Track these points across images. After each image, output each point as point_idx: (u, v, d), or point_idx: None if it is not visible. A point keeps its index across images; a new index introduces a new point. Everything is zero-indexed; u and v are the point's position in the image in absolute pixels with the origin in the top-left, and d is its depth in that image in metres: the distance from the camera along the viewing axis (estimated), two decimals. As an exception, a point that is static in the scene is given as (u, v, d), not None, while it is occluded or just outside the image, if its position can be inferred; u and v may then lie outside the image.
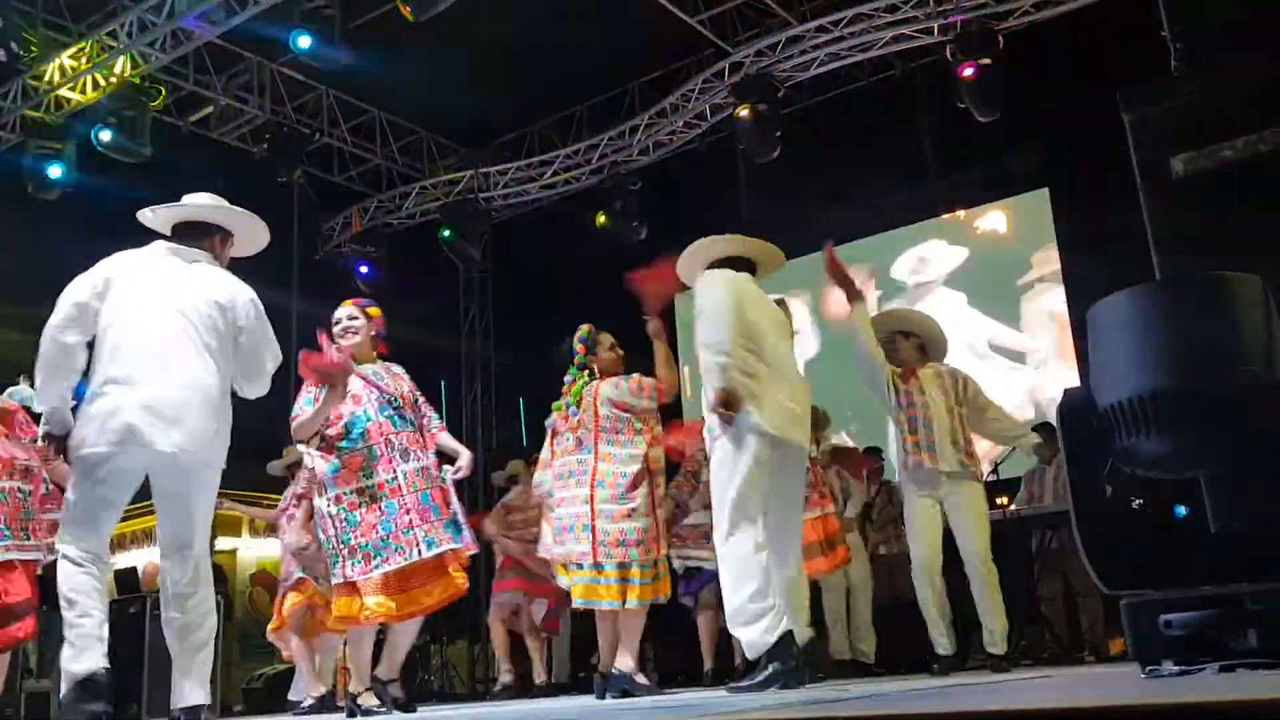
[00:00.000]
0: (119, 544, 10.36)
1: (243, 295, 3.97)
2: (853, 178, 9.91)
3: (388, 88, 10.67)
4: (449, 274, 12.56)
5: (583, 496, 4.96)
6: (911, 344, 5.83)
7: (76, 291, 3.76)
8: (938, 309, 10.11)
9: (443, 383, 12.34)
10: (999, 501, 7.98)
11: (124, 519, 5.03)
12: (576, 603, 5.06)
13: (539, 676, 7.64)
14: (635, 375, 5.22)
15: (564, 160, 10.97)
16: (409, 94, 10.84)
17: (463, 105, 10.92)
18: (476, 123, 11.45)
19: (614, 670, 4.95)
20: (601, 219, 10.56)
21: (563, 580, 5.13)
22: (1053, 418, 7.40)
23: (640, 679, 4.97)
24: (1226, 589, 2.46)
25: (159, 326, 3.74)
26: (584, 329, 5.39)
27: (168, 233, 4.08)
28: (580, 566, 4.95)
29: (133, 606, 7.64)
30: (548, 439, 5.37)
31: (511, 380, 12.42)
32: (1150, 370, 2.56)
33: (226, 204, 4.22)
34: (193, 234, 4.07)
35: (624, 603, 4.87)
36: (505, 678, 7.68)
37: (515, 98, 10.84)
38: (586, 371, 5.26)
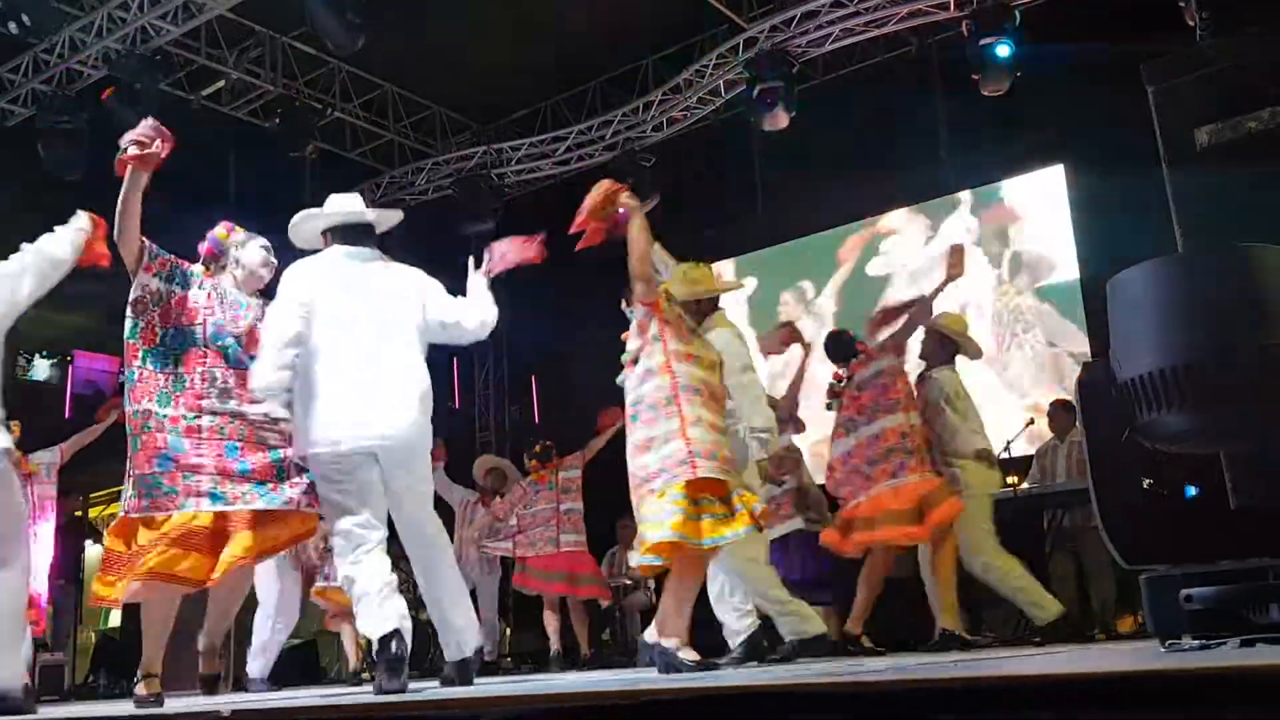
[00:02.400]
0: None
1: (417, 277, 4.48)
2: (868, 154, 9.85)
3: (400, 63, 10.63)
4: (461, 251, 12.53)
5: None
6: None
7: (286, 326, 3.97)
8: (953, 285, 10.06)
9: (454, 360, 12.35)
10: (1009, 480, 7.96)
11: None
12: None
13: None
14: None
15: (577, 137, 10.92)
16: (422, 69, 10.79)
17: (476, 81, 10.87)
18: (489, 99, 11.40)
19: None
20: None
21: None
22: (1068, 394, 7.37)
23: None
24: (1248, 563, 2.44)
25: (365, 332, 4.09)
26: None
27: (318, 238, 4.44)
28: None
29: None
30: None
31: (524, 358, 12.42)
32: (1172, 344, 2.53)
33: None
34: (357, 233, 4.40)
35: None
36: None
37: (528, 74, 10.79)
38: None
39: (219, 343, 4.18)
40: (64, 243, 3.94)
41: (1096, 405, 2.71)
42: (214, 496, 4.02)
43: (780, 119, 9.35)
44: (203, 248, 4.43)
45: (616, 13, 9.82)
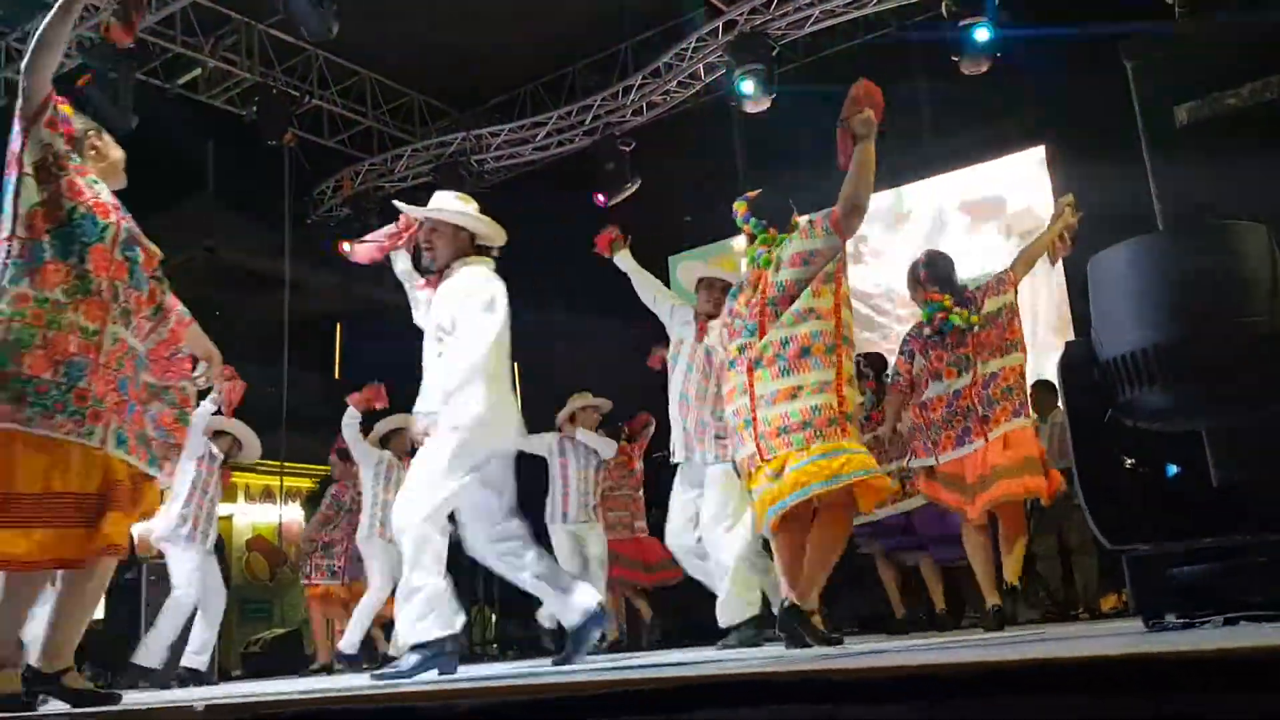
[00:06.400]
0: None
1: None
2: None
3: (378, 49, 10.56)
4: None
5: (742, 385, 4.07)
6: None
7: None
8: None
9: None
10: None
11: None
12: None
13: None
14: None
15: (557, 122, 10.87)
16: (399, 55, 10.73)
17: (454, 67, 10.81)
18: (468, 84, 11.34)
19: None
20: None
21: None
22: (1050, 375, 7.37)
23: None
24: (1231, 541, 2.44)
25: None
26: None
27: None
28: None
29: (129, 572, 7.63)
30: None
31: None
32: (1153, 322, 2.53)
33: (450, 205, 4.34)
34: None
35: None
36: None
37: (507, 59, 10.73)
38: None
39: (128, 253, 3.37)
40: None
41: (1078, 385, 2.70)
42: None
43: (761, 102, 9.33)
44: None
45: (595, -4, 9.77)
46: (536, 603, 7.99)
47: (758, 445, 3.95)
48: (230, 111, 10.31)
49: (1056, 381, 2.86)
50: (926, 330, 5.37)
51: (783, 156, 10.21)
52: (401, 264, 4.63)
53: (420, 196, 11.37)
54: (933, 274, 5.45)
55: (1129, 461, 5.62)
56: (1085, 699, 1.11)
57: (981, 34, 8.51)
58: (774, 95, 9.32)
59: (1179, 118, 2.87)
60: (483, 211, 4.32)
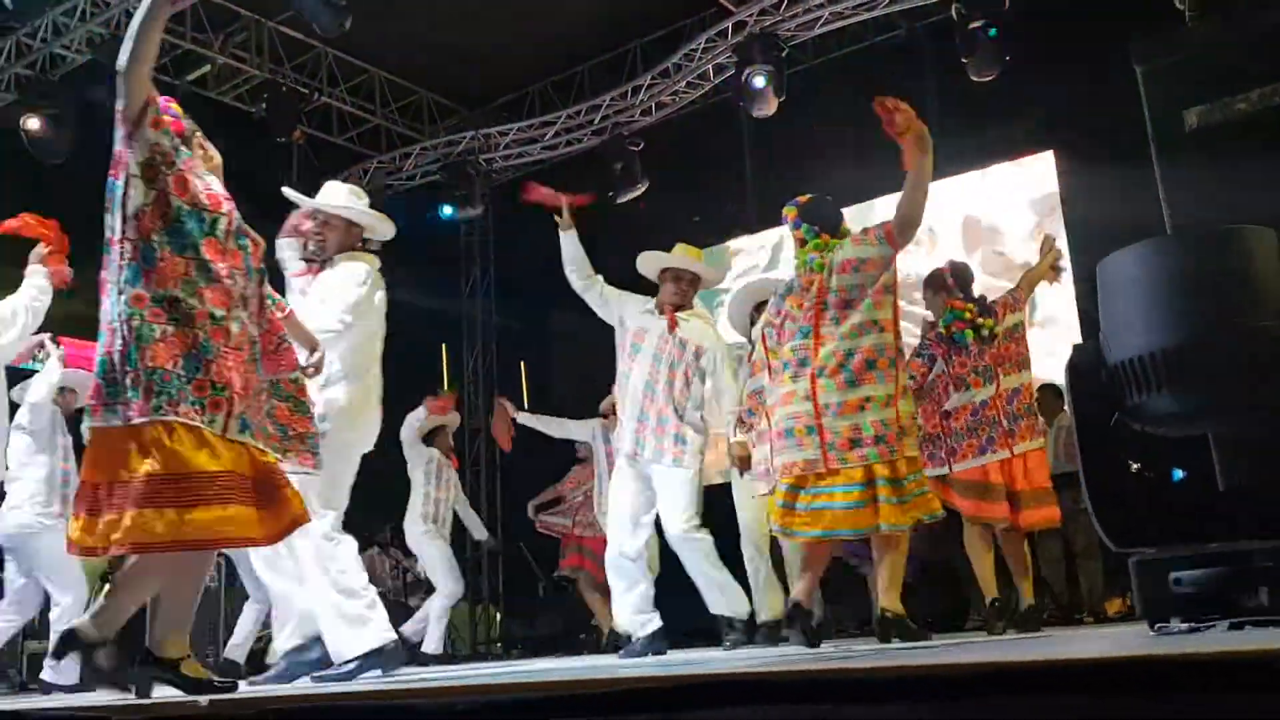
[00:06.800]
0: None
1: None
2: (856, 139, 9.80)
3: (387, 48, 10.57)
4: (449, 236, 12.51)
5: (804, 391, 4.18)
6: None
7: None
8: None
9: (443, 345, 12.32)
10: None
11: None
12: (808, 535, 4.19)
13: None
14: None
15: (565, 121, 10.87)
16: (409, 54, 10.73)
17: (463, 65, 10.82)
18: (477, 83, 11.34)
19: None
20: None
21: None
22: (1057, 379, 7.33)
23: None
24: (1237, 546, 2.43)
25: None
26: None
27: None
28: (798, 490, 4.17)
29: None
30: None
31: (513, 343, 12.38)
32: (1161, 326, 2.52)
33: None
34: None
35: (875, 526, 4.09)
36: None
37: (516, 58, 10.73)
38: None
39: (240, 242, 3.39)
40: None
41: (1086, 389, 2.70)
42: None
43: (769, 105, 9.32)
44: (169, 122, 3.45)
45: (604, -4, 9.77)
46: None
47: (824, 454, 4.09)
48: (239, 108, 10.32)
49: (1064, 385, 2.86)
50: (930, 334, 5.50)
51: (791, 157, 10.21)
52: (289, 250, 4.54)
53: (429, 195, 11.42)
54: (959, 282, 5.60)
55: (1135, 465, 5.61)
56: (1087, 700, 1.11)
57: (991, 36, 8.50)
58: (782, 97, 9.31)
59: (1189, 122, 2.87)
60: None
